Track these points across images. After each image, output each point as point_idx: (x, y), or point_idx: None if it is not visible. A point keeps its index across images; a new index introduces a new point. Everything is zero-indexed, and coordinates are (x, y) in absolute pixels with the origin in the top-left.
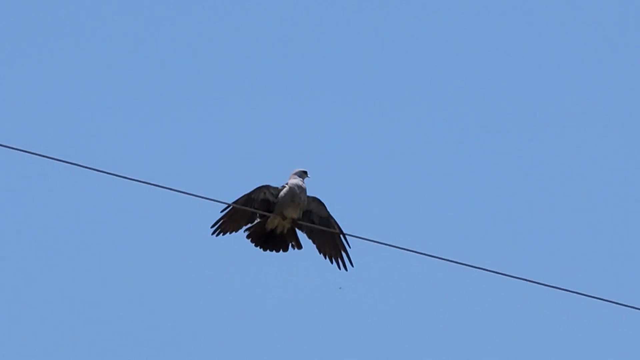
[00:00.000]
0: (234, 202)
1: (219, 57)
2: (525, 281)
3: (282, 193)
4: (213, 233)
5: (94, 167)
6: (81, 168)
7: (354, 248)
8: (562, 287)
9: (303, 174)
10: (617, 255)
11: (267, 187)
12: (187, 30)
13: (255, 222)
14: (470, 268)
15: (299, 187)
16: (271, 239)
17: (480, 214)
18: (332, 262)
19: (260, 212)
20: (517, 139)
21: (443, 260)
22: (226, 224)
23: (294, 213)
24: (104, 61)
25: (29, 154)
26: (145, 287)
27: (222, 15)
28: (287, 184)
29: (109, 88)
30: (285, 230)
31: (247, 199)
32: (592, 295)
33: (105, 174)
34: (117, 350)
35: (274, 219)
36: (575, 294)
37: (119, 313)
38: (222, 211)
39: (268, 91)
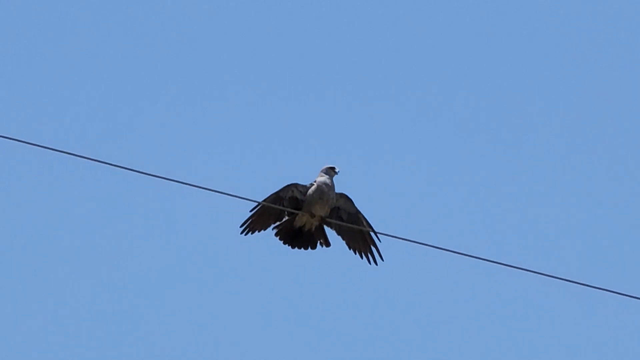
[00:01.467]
0: (263, 201)
1: (242, 52)
2: (565, 281)
3: (310, 191)
4: (242, 232)
5: (125, 166)
6: (119, 168)
7: (383, 244)
8: (564, 278)
9: (331, 171)
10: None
11: (295, 185)
12: (203, 25)
13: (284, 219)
14: (491, 263)
15: (327, 185)
16: (299, 237)
17: (507, 211)
18: (362, 258)
19: (289, 209)
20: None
21: (466, 257)
22: (255, 222)
23: (322, 210)
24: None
25: (33, 146)
26: (170, 286)
27: (235, 9)
28: (315, 181)
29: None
30: (314, 228)
31: (276, 197)
32: (601, 287)
33: (130, 171)
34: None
35: (302, 216)
36: (579, 285)
37: (143, 309)
38: (251, 210)
39: (293, 89)
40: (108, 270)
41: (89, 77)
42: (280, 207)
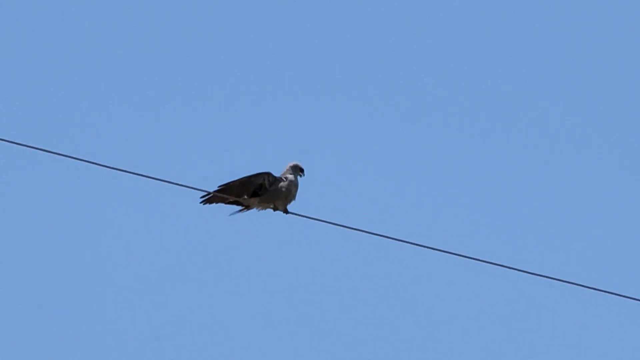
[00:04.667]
0: (233, 181)
1: (222, 51)
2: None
3: (281, 185)
4: (201, 202)
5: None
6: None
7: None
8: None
9: (298, 171)
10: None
11: (268, 174)
12: (188, 24)
13: (241, 199)
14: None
15: (296, 186)
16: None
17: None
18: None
19: (246, 200)
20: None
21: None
22: (215, 197)
23: (282, 206)
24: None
25: (17, 146)
26: (153, 281)
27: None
28: (286, 177)
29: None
30: (259, 209)
31: (247, 181)
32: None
33: (110, 169)
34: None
35: (260, 203)
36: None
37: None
38: (219, 186)
39: (267, 87)
40: (91, 268)
41: (70, 74)
42: (243, 195)
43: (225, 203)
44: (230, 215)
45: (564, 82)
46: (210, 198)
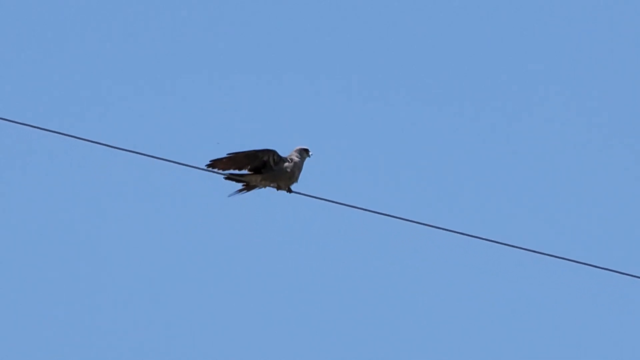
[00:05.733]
0: (242, 152)
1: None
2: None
3: (285, 165)
4: (207, 166)
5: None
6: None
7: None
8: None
9: (304, 153)
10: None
11: (274, 152)
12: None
13: (243, 172)
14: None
15: (299, 168)
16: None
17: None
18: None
19: (247, 176)
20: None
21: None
22: (221, 163)
23: (286, 185)
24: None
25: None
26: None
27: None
28: (292, 159)
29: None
30: (260, 187)
31: (254, 155)
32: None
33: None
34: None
35: (262, 180)
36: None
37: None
38: (228, 153)
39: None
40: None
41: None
42: (248, 167)
43: (226, 178)
44: (229, 196)
45: (563, 80)
46: (215, 163)
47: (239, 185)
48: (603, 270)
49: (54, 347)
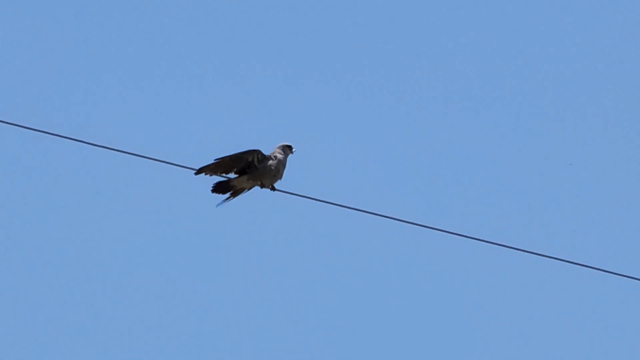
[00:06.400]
0: (228, 156)
1: (217, 32)
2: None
3: (269, 163)
4: (196, 173)
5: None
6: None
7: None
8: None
9: (287, 149)
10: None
11: (258, 152)
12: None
13: (230, 176)
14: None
15: (283, 165)
16: (227, 189)
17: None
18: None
19: (234, 180)
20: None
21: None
22: (209, 169)
23: (270, 183)
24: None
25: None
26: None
27: None
28: (275, 156)
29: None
30: (247, 189)
31: (239, 157)
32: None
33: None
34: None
35: (247, 181)
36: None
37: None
38: (215, 159)
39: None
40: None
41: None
42: (233, 168)
43: (212, 191)
44: (217, 206)
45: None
46: (203, 169)
47: (226, 195)
48: (603, 271)
49: (54, 347)
